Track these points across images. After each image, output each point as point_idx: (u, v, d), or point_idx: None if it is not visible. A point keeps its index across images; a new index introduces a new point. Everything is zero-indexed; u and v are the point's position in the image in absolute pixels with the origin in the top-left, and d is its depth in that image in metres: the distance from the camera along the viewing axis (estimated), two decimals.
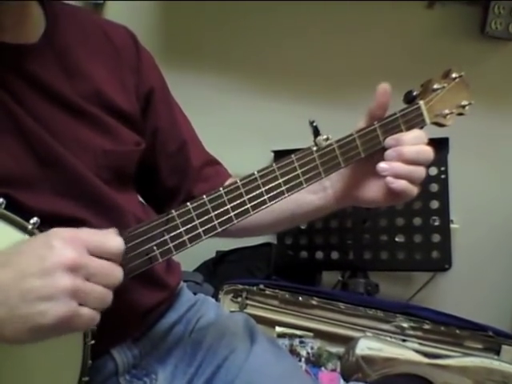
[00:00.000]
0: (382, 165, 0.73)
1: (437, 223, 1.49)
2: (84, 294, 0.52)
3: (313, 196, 0.82)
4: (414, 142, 0.73)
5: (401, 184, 0.71)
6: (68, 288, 0.51)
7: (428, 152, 0.73)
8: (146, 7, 1.56)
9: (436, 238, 1.50)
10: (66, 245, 0.52)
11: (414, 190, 0.72)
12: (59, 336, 0.53)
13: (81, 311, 0.51)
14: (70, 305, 0.51)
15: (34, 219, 0.59)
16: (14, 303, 0.50)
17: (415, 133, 0.75)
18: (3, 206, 0.58)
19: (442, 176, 1.49)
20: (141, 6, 1.55)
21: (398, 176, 0.71)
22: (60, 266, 0.51)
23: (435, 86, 0.78)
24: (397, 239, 1.52)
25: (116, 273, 0.55)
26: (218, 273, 1.56)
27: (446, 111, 0.79)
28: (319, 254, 1.56)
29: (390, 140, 0.74)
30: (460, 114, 0.81)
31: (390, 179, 0.72)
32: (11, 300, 0.50)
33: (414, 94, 0.79)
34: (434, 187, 1.49)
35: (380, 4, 1.47)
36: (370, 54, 1.54)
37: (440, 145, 1.43)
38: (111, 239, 0.56)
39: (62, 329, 0.52)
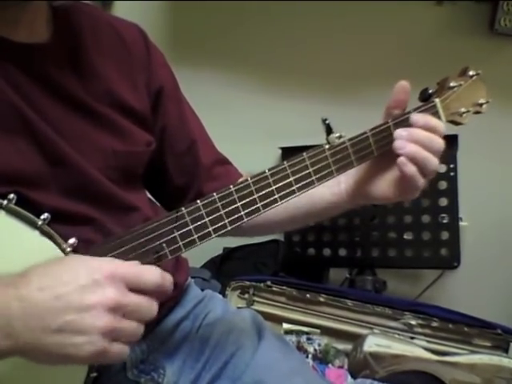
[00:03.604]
0: (399, 142, 0.71)
1: (445, 221, 1.49)
2: (119, 331, 0.53)
3: (326, 190, 0.81)
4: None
5: (412, 169, 0.70)
6: (105, 328, 0.52)
7: (439, 141, 0.72)
8: (154, 5, 1.57)
9: (445, 235, 1.49)
10: (108, 282, 0.53)
11: (421, 180, 0.70)
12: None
13: (112, 348, 0.53)
14: (104, 343, 0.52)
15: (45, 215, 0.59)
16: (49, 332, 0.51)
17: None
18: (14, 201, 0.59)
19: (451, 173, 1.48)
20: (149, 4, 1.56)
21: (412, 158, 0.69)
22: (101, 305, 0.52)
23: (451, 84, 0.77)
24: (405, 236, 1.52)
25: (152, 308, 0.56)
26: (225, 269, 1.56)
27: (463, 109, 0.78)
28: (327, 251, 1.56)
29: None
30: (477, 113, 0.80)
31: (403, 160, 0.70)
32: (47, 329, 0.51)
33: (430, 91, 0.78)
34: (443, 184, 1.49)
35: (389, 2, 1.47)
36: (379, 51, 1.53)
37: (449, 142, 1.40)
38: (148, 272, 0.57)
39: (90, 361, 0.54)
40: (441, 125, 0.74)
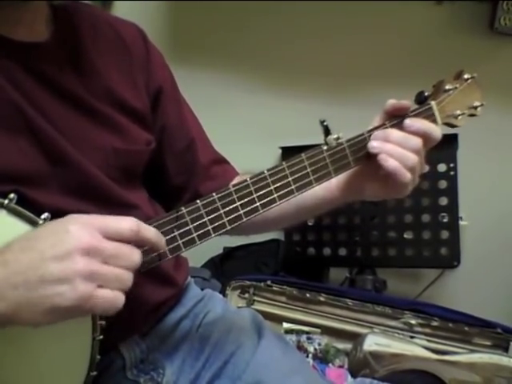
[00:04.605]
0: (373, 143, 0.74)
1: (445, 220, 1.49)
2: (101, 276, 0.53)
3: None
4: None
5: (393, 163, 0.72)
6: (83, 270, 0.52)
7: (415, 139, 0.73)
8: (154, 5, 1.57)
9: (445, 234, 1.49)
10: (81, 229, 0.53)
11: (407, 176, 0.72)
12: (79, 317, 0.54)
13: (99, 293, 0.52)
14: (87, 287, 0.52)
15: (45, 214, 0.60)
16: (31, 286, 0.52)
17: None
18: (14, 200, 0.59)
19: (451, 172, 1.48)
20: (149, 4, 1.56)
21: (390, 155, 0.72)
22: (76, 249, 0.52)
23: (447, 87, 0.79)
24: (405, 236, 1.51)
25: (132, 255, 0.56)
26: (226, 269, 1.56)
27: (458, 112, 0.79)
28: (327, 251, 1.56)
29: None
30: (472, 115, 0.81)
31: (383, 156, 0.72)
32: (29, 283, 0.52)
33: (426, 94, 0.79)
34: (443, 184, 1.49)
35: (389, 2, 1.47)
36: (379, 51, 1.53)
37: (449, 141, 1.43)
38: (124, 221, 0.57)
39: (80, 310, 0.53)
40: (435, 129, 0.75)
